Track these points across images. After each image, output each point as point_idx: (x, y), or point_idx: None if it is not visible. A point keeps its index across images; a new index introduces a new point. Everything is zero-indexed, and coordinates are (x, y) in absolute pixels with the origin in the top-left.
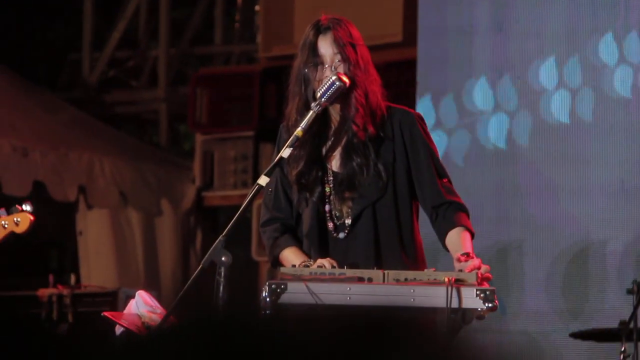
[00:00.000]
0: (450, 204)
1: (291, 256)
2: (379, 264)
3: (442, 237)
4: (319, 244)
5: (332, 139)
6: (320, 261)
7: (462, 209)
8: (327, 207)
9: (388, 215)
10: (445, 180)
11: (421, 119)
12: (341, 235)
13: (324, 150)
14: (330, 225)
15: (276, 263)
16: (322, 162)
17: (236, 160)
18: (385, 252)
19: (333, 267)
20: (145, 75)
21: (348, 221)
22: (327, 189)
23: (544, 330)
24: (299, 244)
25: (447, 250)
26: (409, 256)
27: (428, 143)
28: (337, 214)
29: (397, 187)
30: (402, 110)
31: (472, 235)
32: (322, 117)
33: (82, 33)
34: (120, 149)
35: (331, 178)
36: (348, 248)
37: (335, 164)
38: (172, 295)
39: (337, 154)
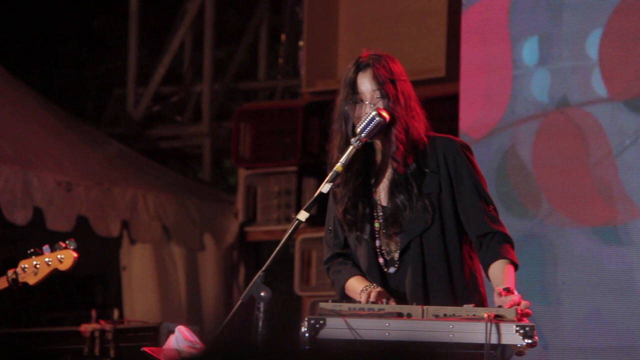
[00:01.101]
0: (495, 234)
1: (355, 284)
2: (427, 296)
3: (486, 267)
4: (379, 281)
5: (378, 174)
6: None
7: (507, 239)
8: (377, 243)
9: (435, 247)
10: (490, 208)
11: (465, 147)
12: (392, 270)
13: (372, 186)
14: (381, 260)
15: (343, 295)
16: (368, 198)
17: (279, 195)
18: (432, 283)
19: (381, 298)
20: (189, 110)
21: (396, 255)
22: (377, 224)
23: None
24: (362, 272)
25: (490, 280)
26: (458, 286)
27: (472, 171)
28: (387, 250)
29: (444, 218)
30: (445, 139)
31: (516, 267)
32: (368, 153)
33: (127, 68)
34: (164, 183)
35: (381, 213)
36: (399, 282)
37: (383, 199)
38: (214, 330)
39: (383, 190)
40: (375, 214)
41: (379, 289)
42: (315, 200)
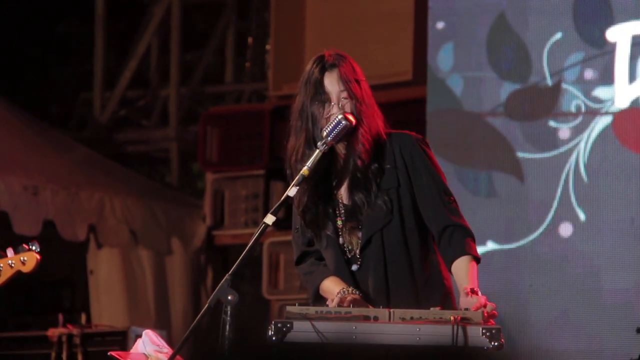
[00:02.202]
0: (455, 227)
1: (331, 286)
2: (388, 291)
3: (448, 263)
4: (348, 278)
5: (339, 175)
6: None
7: (468, 232)
8: (340, 240)
9: (396, 242)
10: (450, 200)
11: (421, 140)
12: (354, 267)
13: (334, 187)
14: (345, 257)
15: (317, 296)
16: (329, 197)
17: (247, 198)
18: (394, 279)
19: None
20: (156, 114)
21: (358, 252)
22: (340, 222)
23: None
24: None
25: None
26: (419, 280)
27: (429, 164)
28: (349, 247)
29: (404, 213)
30: (401, 134)
31: (478, 261)
32: (329, 153)
33: (93, 72)
34: (131, 188)
35: (342, 211)
36: (363, 279)
37: (344, 197)
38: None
39: (344, 189)
40: (337, 212)
41: (354, 295)
42: (282, 204)
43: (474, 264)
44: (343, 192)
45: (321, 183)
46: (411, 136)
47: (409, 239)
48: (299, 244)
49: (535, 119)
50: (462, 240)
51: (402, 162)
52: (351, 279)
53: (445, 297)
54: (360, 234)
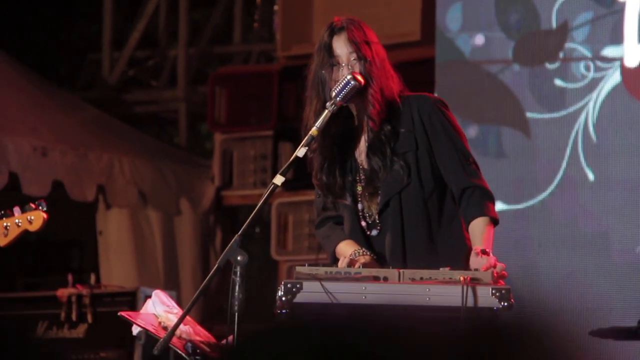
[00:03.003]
0: (475, 188)
1: (346, 248)
2: (404, 255)
3: (467, 224)
4: (365, 244)
5: (357, 139)
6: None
7: (487, 194)
8: (359, 206)
9: (414, 205)
10: (469, 161)
11: (440, 102)
12: (374, 232)
13: (354, 150)
14: (363, 223)
15: (334, 259)
16: (350, 163)
17: (255, 159)
18: (411, 242)
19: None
20: (164, 74)
21: (377, 217)
22: (359, 188)
23: (564, 328)
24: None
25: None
26: (438, 243)
27: (448, 126)
28: (369, 212)
29: (422, 176)
30: (419, 97)
31: (496, 222)
32: (346, 118)
33: (101, 33)
34: (140, 148)
35: (362, 176)
36: (379, 244)
37: (364, 162)
38: (191, 295)
39: (362, 152)
40: (357, 178)
41: (365, 258)
42: (290, 165)
43: (490, 225)
44: (363, 157)
45: (338, 148)
46: (430, 98)
47: (428, 202)
48: (319, 210)
49: (543, 65)
50: (480, 201)
51: (421, 125)
52: (368, 245)
53: (467, 258)
54: (379, 199)
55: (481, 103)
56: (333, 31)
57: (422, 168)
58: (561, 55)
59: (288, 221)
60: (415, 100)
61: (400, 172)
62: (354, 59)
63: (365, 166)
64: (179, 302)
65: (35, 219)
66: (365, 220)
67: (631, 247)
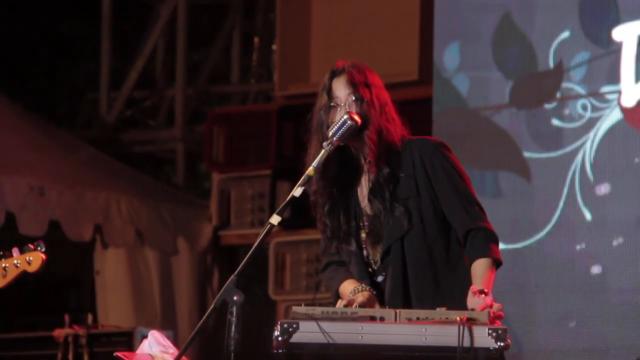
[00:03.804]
0: (479, 230)
1: (347, 286)
2: (407, 300)
3: (470, 265)
4: (372, 288)
5: (360, 182)
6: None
7: (491, 236)
8: (364, 253)
9: (417, 250)
10: (473, 205)
11: (442, 145)
12: (380, 278)
13: (357, 195)
14: (370, 270)
15: (337, 298)
16: (353, 208)
17: (253, 198)
18: (415, 289)
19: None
20: (162, 114)
21: (380, 263)
22: (364, 235)
23: None
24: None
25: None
26: (445, 289)
27: (450, 169)
28: (374, 259)
29: (425, 221)
30: (420, 140)
31: (500, 264)
32: (349, 160)
33: (99, 72)
34: (137, 188)
35: (366, 222)
36: (385, 289)
37: (366, 206)
38: (188, 334)
39: (365, 197)
40: (362, 224)
41: (364, 294)
42: (287, 204)
43: (492, 266)
44: (365, 202)
45: (338, 191)
46: (431, 141)
47: (433, 246)
48: (324, 255)
49: (540, 113)
50: (483, 243)
51: (423, 169)
52: (377, 291)
53: None
54: (381, 246)
55: (478, 145)
56: (334, 74)
57: (425, 213)
58: (558, 95)
59: (286, 260)
60: (417, 144)
61: (401, 219)
62: (352, 100)
63: (369, 212)
64: (176, 342)
65: (34, 259)
66: (371, 267)
67: (629, 287)
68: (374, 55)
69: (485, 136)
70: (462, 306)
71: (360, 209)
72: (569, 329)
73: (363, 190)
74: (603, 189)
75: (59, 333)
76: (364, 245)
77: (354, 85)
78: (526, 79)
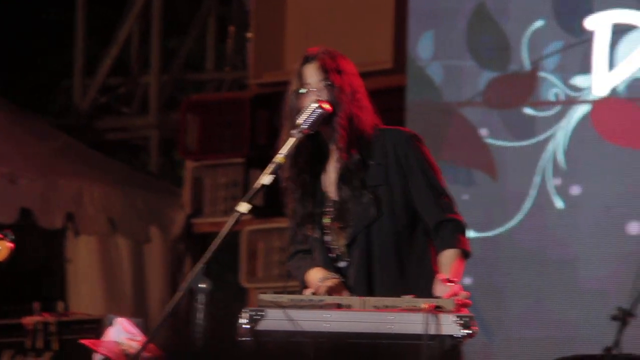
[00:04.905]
0: (448, 222)
1: (314, 274)
2: (371, 289)
3: (438, 256)
4: (335, 273)
5: (328, 168)
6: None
7: (459, 227)
8: (327, 238)
9: (384, 240)
10: (443, 197)
11: (416, 137)
12: (342, 264)
13: (324, 181)
14: (332, 255)
15: (304, 287)
16: (317, 196)
17: (226, 187)
18: (378, 277)
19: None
20: (136, 101)
21: (345, 250)
22: (327, 220)
23: (529, 357)
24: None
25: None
26: (411, 279)
27: (423, 161)
28: (337, 245)
29: (395, 210)
30: (394, 131)
31: (469, 255)
32: (320, 147)
33: (73, 59)
34: (110, 176)
35: (330, 208)
36: (348, 275)
37: (332, 192)
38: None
39: (332, 183)
40: (325, 209)
41: (331, 282)
42: (256, 192)
43: (460, 257)
44: (331, 187)
45: (310, 180)
46: (405, 133)
47: (400, 236)
48: (292, 243)
49: (513, 107)
50: (451, 234)
51: (395, 159)
52: (339, 275)
53: None
54: (346, 232)
55: (452, 133)
56: (306, 60)
57: (393, 202)
58: (531, 84)
59: (258, 249)
60: (390, 134)
61: (369, 206)
62: (323, 86)
63: (334, 197)
64: (148, 330)
65: (1, 249)
66: (333, 252)
67: (598, 275)
68: (349, 43)
69: (459, 125)
70: (428, 296)
71: (325, 195)
72: (538, 317)
73: (329, 176)
74: (575, 178)
75: (28, 321)
76: (327, 231)
77: (325, 71)
78: (499, 69)
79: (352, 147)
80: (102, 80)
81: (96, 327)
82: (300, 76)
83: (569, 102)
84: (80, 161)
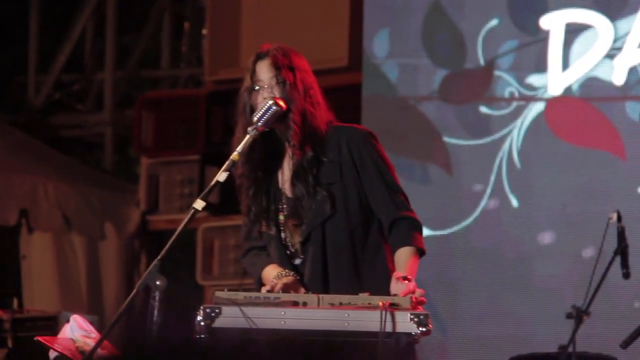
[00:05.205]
0: (404, 220)
1: (270, 271)
2: (326, 287)
3: (393, 254)
4: (291, 270)
5: (283, 165)
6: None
7: (415, 225)
8: (282, 235)
9: (338, 237)
10: (398, 194)
11: (370, 134)
12: (297, 261)
13: (279, 178)
14: (287, 252)
15: (261, 286)
16: (274, 191)
17: (182, 184)
18: (333, 274)
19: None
20: (91, 98)
21: (299, 246)
22: (282, 217)
23: (485, 355)
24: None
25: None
26: (365, 276)
27: (378, 159)
28: (291, 242)
29: (350, 208)
30: (349, 128)
31: (423, 253)
32: (274, 144)
33: (27, 55)
34: (65, 172)
35: (285, 205)
36: (304, 273)
37: (287, 190)
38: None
39: (287, 180)
40: (280, 206)
41: (287, 279)
42: (211, 189)
43: (415, 254)
44: (286, 185)
45: (263, 174)
46: (359, 130)
47: (354, 233)
48: (246, 240)
49: (468, 103)
50: (407, 232)
51: (350, 157)
52: (295, 272)
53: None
54: (302, 229)
55: (407, 132)
56: (259, 57)
57: (347, 200)
58: (486, 83)
59: (214, 246)
60: (344, 131)
61: (324, 203)
62: (275, 83)
63: (289, 194)
64: (102, 327)
65: None
66: (288, 249)
67: (554, 273)
68: (304, 40)
69: (414, 123)
70: (382, 294)
71: (280, 192)
72: (494, 315)
73: (284, 173)
74: (529, 177)
75: None
76: (282, 228)
77: (277, 68)
78: (455, 67)
79: (306, 144)
80: (56, 77)
81: (51, 324)
82: (252, 73)
83: (523, 99)
84: (34, 158)
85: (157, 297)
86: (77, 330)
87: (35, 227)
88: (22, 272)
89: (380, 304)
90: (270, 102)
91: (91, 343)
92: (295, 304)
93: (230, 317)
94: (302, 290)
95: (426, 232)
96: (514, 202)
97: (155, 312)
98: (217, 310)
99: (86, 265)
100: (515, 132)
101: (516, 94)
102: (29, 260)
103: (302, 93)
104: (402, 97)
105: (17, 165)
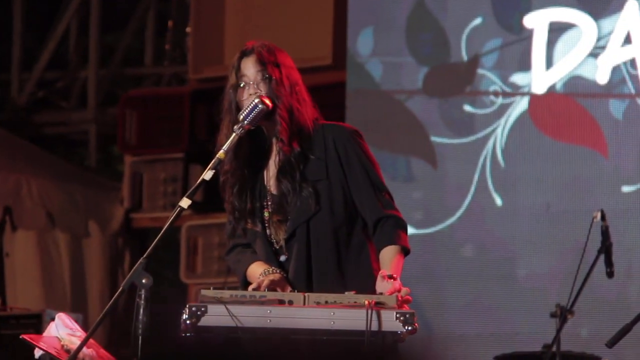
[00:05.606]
0: (389, 218)
1: (256, 269)
2: (310, 283)
3: (378, 252)
4: (277, 267)
5: (268, 162)
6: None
7: (400, 224)
8: (267, 232)
9: (323, 234)
10: (384, 193)
11: (356, 132)
12: (282, 258)
13: (264, 175)
14: (273, 249)
15: (245, 283)
16: (259, 188)
17: (166, 181)
18: (317, 271)
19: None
20: (75, 96)
21: (284, 243)
22: (267, 214)
23: (469, 353)
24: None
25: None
26: (349, 273)
27: (363, 157)
28: (276, 238)
29: (334, 205)
30: (335, 126)
31: (408, 252)
32: (260, 141)
33: (10, 53)
34: (49, 170)
35: (270, 202)
36: (289, 269)
37: (272, 186)
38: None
39: (272, 177)
40: (265, 203)
41: (274, 276)
42: (197, 188)
43: (400, 253)
44: (271, 181)
45: (250, 174)
46: (345, 128)
47: (338, 231)
48: (230, 238)
49: (452, 100)
50: (391, 230)
51: (336, 155)
52: (281, 269)
53: (375, 287)
54: (287, 225)
55: (391, 130)
56: (244, 54)
57: (333, 198)
58: (470, 81)
59: (197, 244)
60: (330, 129)
61: (309, 200)
62: (260, 79)
63: (274, 191)
64: (86, 325)
65: None
66: (274, 246)
67: (538, 272)
68: (288, 38)
69: (398, 121)
70: (365, 292)
71: (265, 189)
72: (478, 313)
73: (270, 169)
74: (513, 175)
75: None
76: (267, 225)
77: (262, 64)
78: (439, 65)
79: (294, 140)
80: (39, 74)
81: (35, 322)
82: (237, 70)
83: (508, 95)
84: (18, 155)
85: (142, 295)
86: (62, 328)
87: (19, 224)
88: (6, 270)
89: (366, 302)
90: (256, 100)
91: (76, 341)
92: (281, 302)
93: (216, 316)
94: (289, 287)
95: (410, 230)
96: (498, 201)
97: (141, 311)
98: (203, 309)
99: (70, 263)
100: (499, 131)
101: (500, 93)
102: (12, 258)
103: (288, 89)
104: (386, 94)
105: (0, 163)
